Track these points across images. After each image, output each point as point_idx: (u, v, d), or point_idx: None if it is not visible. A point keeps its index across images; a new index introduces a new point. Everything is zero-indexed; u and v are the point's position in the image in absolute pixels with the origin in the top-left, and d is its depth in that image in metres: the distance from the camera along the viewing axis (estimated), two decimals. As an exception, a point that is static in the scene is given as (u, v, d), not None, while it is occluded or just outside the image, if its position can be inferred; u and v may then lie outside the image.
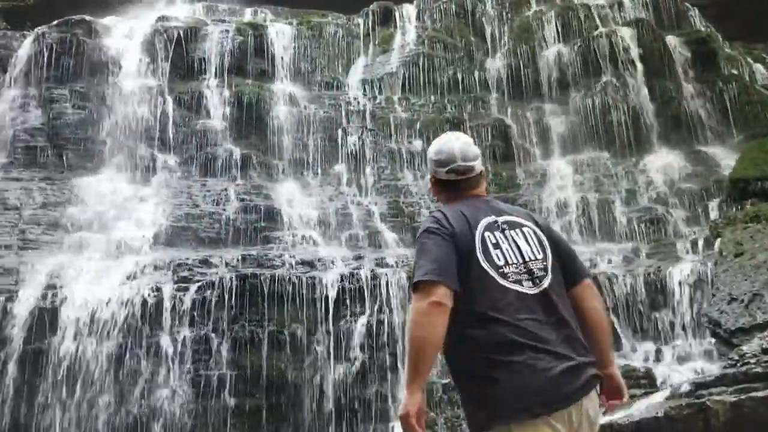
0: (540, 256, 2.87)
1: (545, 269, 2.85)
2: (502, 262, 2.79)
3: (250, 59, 14.12)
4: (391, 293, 9.75)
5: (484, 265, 2.76)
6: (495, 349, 2.67)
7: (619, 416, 6.55)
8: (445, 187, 3.10)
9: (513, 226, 2.91)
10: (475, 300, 2.73)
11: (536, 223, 2.99)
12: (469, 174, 3.06)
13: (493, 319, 2.70)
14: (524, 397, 2.60)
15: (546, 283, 2.81)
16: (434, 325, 2.65)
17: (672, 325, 9.89)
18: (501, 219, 2.92)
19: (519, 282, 2.77)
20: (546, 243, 2.92)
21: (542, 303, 2.77)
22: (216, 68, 13.91)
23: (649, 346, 9.85)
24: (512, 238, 2.86)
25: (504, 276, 2.76)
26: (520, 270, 2.79)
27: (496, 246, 2.81)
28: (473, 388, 2.75)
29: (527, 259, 2.83)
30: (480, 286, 2.74)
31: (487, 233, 2.83)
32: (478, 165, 3.08)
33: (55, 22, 13.90)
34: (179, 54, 13.91)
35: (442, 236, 2.78)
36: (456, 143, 3.12)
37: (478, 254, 2.78)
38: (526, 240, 2.88)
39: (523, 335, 2.67)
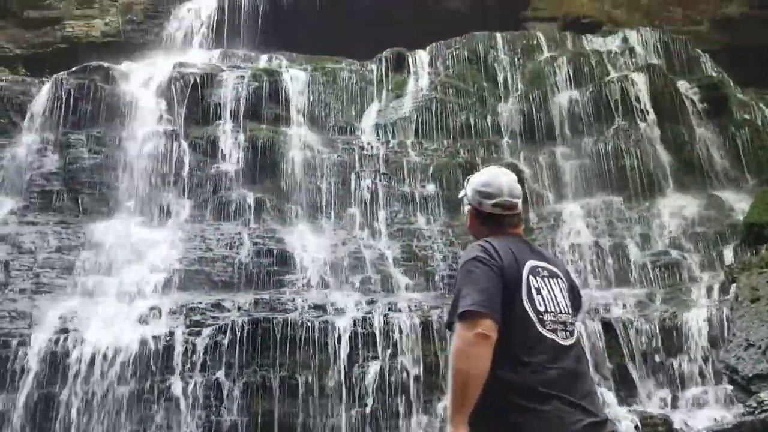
0: (570, 311, 2.88)
1: (574, 324, 2.86)
2: (542, 309, 2.77)
3: (265, 104, 14.28)
4: (403, 338, 9.68)
5: (527, 306, 2.74)
6: (526, 395, 2.66)
7: (636, 465, 6.43)
8: (486, 220, 3.04)
9: (551, 275, 2.90)
10: (513, 341, 2.70)
11: (567, 276, 2.99)
12: (514, 210, 3.06)
13: (528, 364, 2.69)
14: None
15: (575, 337, 2.83)
16: (480, 357, 2.61)
17: (689, 371, 9.77)
18: (542, 264, 2.90)
19: (555, 332, 2.76)
20: (574, 299, 2.95)
21: (573, 356, 2.78)
22: (231, 113, 14.05)
23: (666, 393, 9.73)
24: (551, 286, 2.84)
25: (543, 323, 2.75)
26: (557, 320, 2.78)
27: (538, 291, 2.79)
28: (497, 429, 2.71)
29: (562, 310, 2.82)
30: (520, 327, 2.72)
31: (531, 276, 2.80)
32: (520, 204, 3.08)
33: (73, 69, 14.14)
34: (195, 99, 14.09)
35: (491, 267, 2.75)
36: (504, 178, 3.10)
37: (523, 295, 2.75)
38: (561, 292, 2.87)
39: (555, 386, 2.67)
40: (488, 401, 2.69)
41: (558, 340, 2.75)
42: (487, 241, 2.92)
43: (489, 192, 3.04)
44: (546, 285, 2.82)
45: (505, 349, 2.68)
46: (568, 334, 2.79)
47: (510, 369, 2.69)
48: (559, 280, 2.91)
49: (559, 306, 2.82)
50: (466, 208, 3.16)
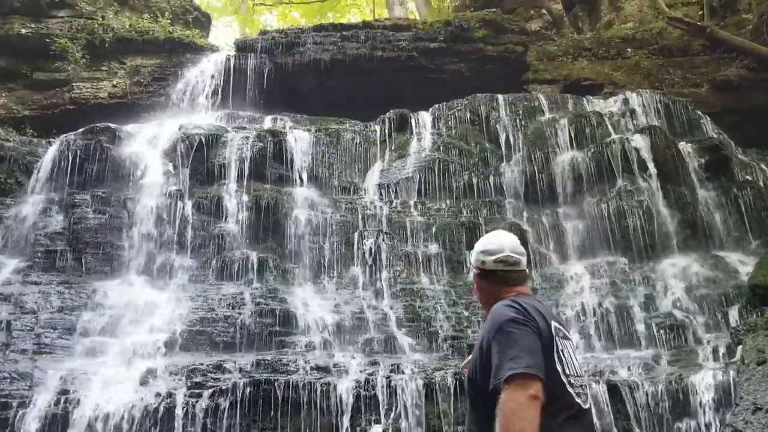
0: (583, 374, 2.87)
1: (586, 387, 2.86)
2: (570, 371, 2.79)
3: (269, 164, 14.41)
4: (407, 401, 9.56)
5: (558, 368, 2.73)
6: None
7: None
8: (491, 279, 3.05)
9: (566, 336, 2.89)
10: (551, 403, 2.66)
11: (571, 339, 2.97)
12: (518, 267, 3.05)
13: (562, 427, 2.68)
14: None
15: (590, 401, 2.84)
16: (533, 419, 2.60)
17: (696, 435, 9.62)
18: (558, 326, 2.88)
19: (579, 395, 2.76)
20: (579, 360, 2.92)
21: (589, 420, 2.80)
22: (235, 173, 14.18)
23: (674, 458, 9.56)
24: (569, 348, 2.83)
25: (571, 385, 2.76)
26: (580, 383, 2.79)
27: (563, 353, 2.78)
28: None
29: (579, 373, 2.81)
30: (554, 388, 2.69)
31: (556, 338, 2.79)
32: (524, 261, 3.08)
33: (80, 130, 14.33)
34: (200, 159, 14.24)
35: (531, 328, 2.74)
36: (505, 236, 3.18)
37: (555, 357, 2.74)
38: (573, 354, 2.87)
39: None
40: None
41: (581, 404, 2.75)
42: (514, 301, 2.90)
43: (490, 250, 3.09)
44: (566, 347, 2.81)
45: (549, 410, 2.67)
46: (585, 398, 2.80)
47: (548, 426, 2.65)
48: (570, 342, 2.90)
49: (577, 369, 2.81)
50: (472, 275, 3.19)
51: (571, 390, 2.74)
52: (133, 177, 13.75)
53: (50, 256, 12.31)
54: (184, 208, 13.35)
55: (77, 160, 13.63)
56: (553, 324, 2.84)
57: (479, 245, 3.14)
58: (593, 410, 9.77)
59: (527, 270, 3.09)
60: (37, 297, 11.41)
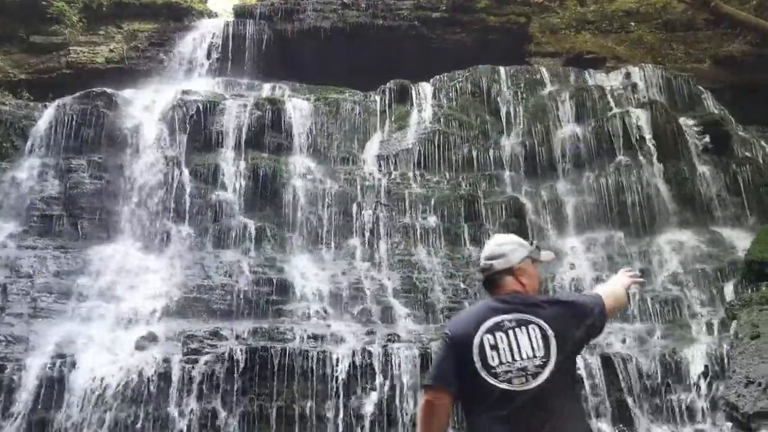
0: (540, 354, 3.08)
1: (543, 366, 3.06)
2: (495, 363, 3.10)
3: (267, 133, 14.31)
4: (402, 370, 9.60)
5: (477, 365, 3.11)
6: None
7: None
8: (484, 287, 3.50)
9: (521, 324, 3.15)
10: (467, 398, 3.16)
11: (551, 320, 3.16)
12: (488, 272, 3.41)
13: (480, 414, 3.10)
14: None
15: (540, 379, 3.04)
16: (427, 422, 3.17)
17: (688, 407, 9.70)
18: (509, 317, 3.16)
19: (509, 381, 3.06)
20: (553, 342, 3.10)
21: (532, 399, 3.01)
22: (233, 141, 14.09)
23: (664, 429, 9.64)
24: (514, 336, 3.13)
25: (495, 375, 3.10)
26: (513, 368, 3.06)
27: (494, 347, 3.12)
28: None
29: (524, 357, 3.08)
30: (473, 385, 3.11)
31: (487, 335, 3.14)
32: (497, 263, 3.37)
33: (77, 94, 14.19)
34: (197, 127, 14.13)
35: (444, 342, 3.27)
36: (486, 245, 3.55)
37: (474, 357, 3.12)
38: (529, 339, 3.11)
39: (501, 429, 3.03)
40: None
41: (512, 388, 3.04)
42: (459, 314, 3.65)
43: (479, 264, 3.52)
44: (507, 337, 3.12)
45: (467, 407, 3.18)
46: (529, 378, 3.04)
47: (470, 421, 3.16)
48: (530, 326, 3.13)
49: (521, 353, 3.07)
50: None
51: (493, 381, 3.07)
52: (129, 143, 13.64)
53: (46, 221, 12.27)
54: (181, 175, 13.29)
55: (73, 125, 13.52)
56: (491, 321, 3.16)
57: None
58: (585, 381, 9.92)
59: (515, 268, 3.37)
60: (32, 261, 11.40)
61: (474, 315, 3.29)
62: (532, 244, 3.61)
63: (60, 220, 12.30)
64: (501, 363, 3.09)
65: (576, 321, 3.24)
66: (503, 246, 3.45)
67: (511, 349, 3.10)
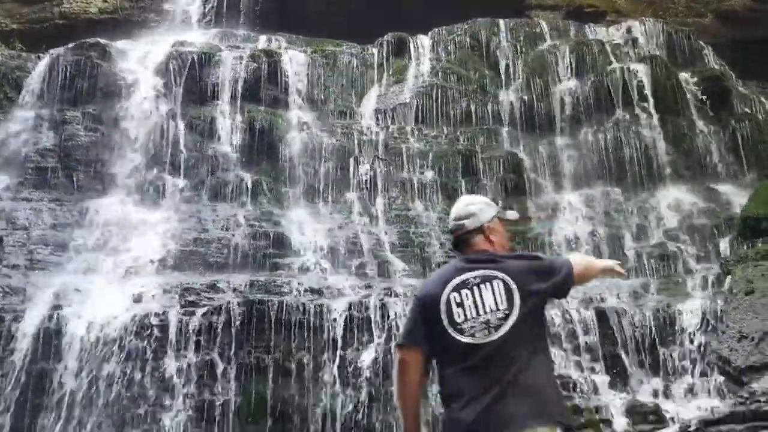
0: (503, 307, 3.17)
1: (506, 318, 3.14)
2: (461, 319, 3.18)
3: (263, 86, 14.16)
4: (399, 323, 9.66)
5: (445, 323, 3.20)
6: (445, 397, 3.22)
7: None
8: (455, 246, 3.58)
9: (485, 280, 3.23)
10: (439, 355, 3.26)
11: (515, 274, 3.24)
12: (458, 232, 3.48)
13: (448, 368, 3.20)
14: None
15: (502, 331, 3.13)
16: (400, 378, 3.26)
17: (681, 361, 9.81)
18: (474, 274, 3.25)
19: (473, 335, 3.14)
20: (516, 294, 3.19)
21: (495, 350, 3.11)
22: (229, 94, 13.95)
23: (657, 382, 9.77)
24: (479, 292, 3.21)
25: (461, 332, 3.16)
26: (477, 323, 3.15)
27: (459, 305, 3.20)
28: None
29: (488, 311, 3.16)
30: (442, 342, 3.21)
31: (453, 294, 3.23)
32: (468, 223, 3.45)
33: (70, 45, 14.00)
34: (193, 79, 13.97)
35: (415, 302, 3.38)
36: (454, 206, 3.60)
37: (442, 315, 3.21)
38: (493, 293, 3.20)
39: (462, 387, 3.13)
40: (442, 403, 3.25)
41: (475, 341, 3.13)
42: (432, 274, 3.77)
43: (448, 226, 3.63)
44: (473, 294, 3.21)
45: (438, 364, 3.29)
46: (491, 330, 3.13)
47: (441, 377, 3.27)
48: (494, 281, 3.23)
49: (485, 308, 3.18)
50: None
51: (458, 336, 3.16)
52: (124, 95, 13.50)
53: (41, 173, 12.19)
54: (176, 128, 13.18)
55: (67, 76, 13.35)
56: (456, 280, 3.26)
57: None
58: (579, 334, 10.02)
59: (486, 226, 3.45)
60: (28, 213, 11.37)
61: (442, 275, 3.38)
62: (498, 204, 3.71)
63: (55, 173, 12.23)
64: (466, 319, 3.18)
65: (540, 276, 3.30)
66: (472, 206, 3.52)
67: (475, 305, 3.18)
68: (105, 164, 12.56)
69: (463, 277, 3.28)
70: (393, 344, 9.42)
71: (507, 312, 3.15)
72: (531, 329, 3.20)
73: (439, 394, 3.26)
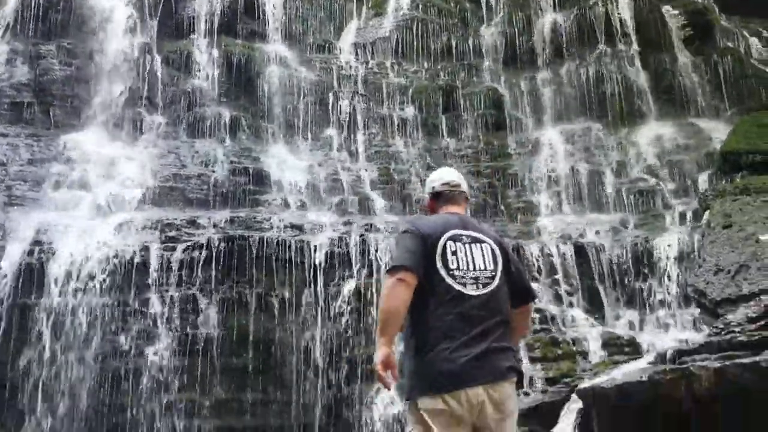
0: (490, 268, 3.52)
1: (492, 278, 3.50)
2: (454, 267, 3.45)
3: (240, 19, 13.90)
4: (379, 258, 9.72)
5: (438, 264, 3.44)
6: (431, 333, 3.34)
7: (601, 380, 6.58)
8: (438, 199, 3.80)
9: (475, 241, 3.57)
10: (428, 292, 3.40)
11: (498, 243, 3.65)
12: (456, 189, 3.81)
13: (436, 308, 3.36)
14: (433, 377, 3.27)
15: (488, 289, 3.46)
16: (396, 296, 3.33)
17: (657, 294, 9.97)
18: (466, 233, 3.58)
19: (464, 285, 3.42)
20: (500, 260, 3.57)
21: (482, 302, 3.42)
22: (205, 27, 13.68)
23: (634, 315, 9.95)
24: (470, 250, 3.54)
25: (453, 277, 3.43)
26: (467, 276, 3.45)
27: (454, 253, 3.48)
28: (413, 363, 3.39)
29: (477, 268, 3.49)
30: (433, 280, 3.41)
31: (449, 242, 3.50)
32: (464, 187, 3.84)
33: (43, -23, 13.58)
34: (168, 11, 13.69)
35: (413, 234, 3.50)
36: (447, 170, 3.95)
37: (437, 256, 3.45)
38: (482, 254, 3.55)
39: (452, 327, 3.33)
40: (413, 341, 3.40)
41: (466, 291, 3.41)
42: (419, 218, 3.92)
43: (440, 177, 3.88)
44: (464, 249, 3.52)
45: (425, 300, 3.40)
46: (480, 286, 3.45)
47: (427, 313, 3.39)
48: (482, 244, 3.58)
49: (475, 265, 3.50)
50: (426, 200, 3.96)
51: (450, 281, 3.41)
52: (99, 28, 13.19)
53: (16, 108, 11.96)
54: (152, 62, 12.94)
55: (40, 10, 12.99)
56: (452, 231, 3.54)
57: (432, 176, 3.91)
58: (558, 269, 10.16)
59: (467, 193, 3.84)
60: (5, 149, 11.19)
61: (439, 222, 3.62)
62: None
63: (31, 108, 12.01)
64: (458, 268, 3.45)
65: (515, 263, 3.72)
66: (460, 177, 3.89)
67: (467, 260, 3.50)
68: (81, 99, 12.35)
69: (457, 231, 3.57)
70: (374, 279, 9.53)
71: (493, 273, 3.52)
72: (505, 293, 3.54)
73: (418, 328, 3.39)
